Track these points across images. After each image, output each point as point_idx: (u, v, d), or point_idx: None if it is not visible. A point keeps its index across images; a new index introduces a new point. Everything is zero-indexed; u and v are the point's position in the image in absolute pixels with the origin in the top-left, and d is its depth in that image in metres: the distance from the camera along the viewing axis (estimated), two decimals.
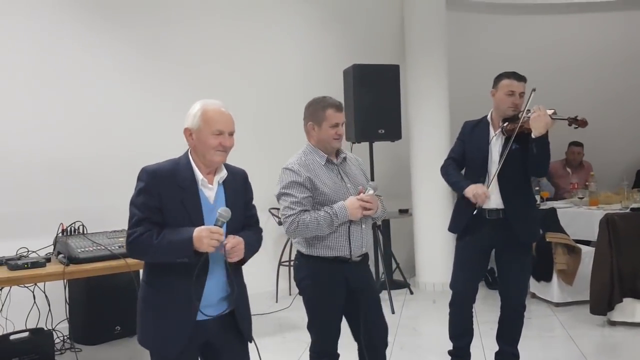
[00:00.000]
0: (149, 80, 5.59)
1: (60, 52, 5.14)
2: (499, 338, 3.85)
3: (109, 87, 5.40)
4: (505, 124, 3.57)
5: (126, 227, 4.47)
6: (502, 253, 3.71)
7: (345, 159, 3.09)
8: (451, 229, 3.83)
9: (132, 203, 2.33)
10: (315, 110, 3.03)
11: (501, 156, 3.51)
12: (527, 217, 3.63)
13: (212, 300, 2.35)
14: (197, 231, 2.21)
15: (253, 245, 2.47)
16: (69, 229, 4.29)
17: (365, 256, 3.09)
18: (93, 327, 4.83)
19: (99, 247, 3.99)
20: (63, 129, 5.10)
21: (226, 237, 2.31)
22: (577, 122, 3.44)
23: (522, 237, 3.60)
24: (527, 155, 3.48)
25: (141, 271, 4.89)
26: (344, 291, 2.98)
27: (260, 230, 2.61)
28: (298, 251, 3.05)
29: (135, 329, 4.93)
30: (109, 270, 3.92)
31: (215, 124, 2.35)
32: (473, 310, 3.83)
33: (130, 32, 5.58)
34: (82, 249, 3.93)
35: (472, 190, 3.50)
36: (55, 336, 4.48)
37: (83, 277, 4.19)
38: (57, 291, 4.57)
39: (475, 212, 3.54)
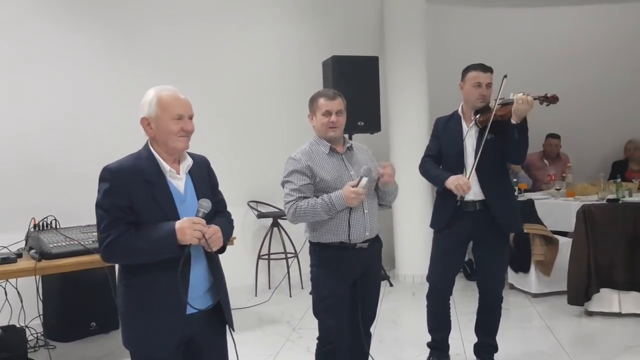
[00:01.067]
0: (122, 74, 5.47)
1: (33, 46, 5.02)
2: (478, 329, 3.87)
3: (82, 81, 5.28)
4: (477, 116, 3.58)
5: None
6: (480, 245, 3.71)
7: (350, 147, 3.12)
8: (433, 225, 3.82)
9: (99, 206, 2.21)
10: (311, 101, 3.12)
11: (477, 147, 3.51)
12: (509, 206, 3.66)
13: (197, 293, 2.29)
14: (179, 223, 2.15)
15: (228, 232, 2.43)
16: (40, 223, 4.22)
17: (373, 242, 3.07)
18: (67, 323, 4.74)
19: (72, 242, 3.92)
20: (35, 123, 4.97)
21: None
22: (548, 99, 3.44)
23: (504, 227, 3.62)
24: (506, 144, 3.48)
25: (117, 267, 4.88)
26: (349, 278, 3.01)
27: (230, 214, 2.56)
28: (308, 239, 3.11)
29: (111, 325, 4.92)
30: (82, 265, 3.87)
31: (174, 108, 2.26)
32: (451, 302, 3.83)
33: (103, 26, 5.45)
34: (55, 244, 3.86)
35: (453, 182, 3.49)
36: (28, 333, 4.40)
37: (56, 273, 4.13)
38: (30, 287, 4.47)
39: (459, 204, 3.53)
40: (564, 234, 5.49)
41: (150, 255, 2.18)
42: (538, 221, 5.49)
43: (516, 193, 5.97)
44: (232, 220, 2.55)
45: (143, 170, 2.23)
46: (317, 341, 3.10)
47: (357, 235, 2.97)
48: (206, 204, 2.24)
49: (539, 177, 6.94)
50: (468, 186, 3.45)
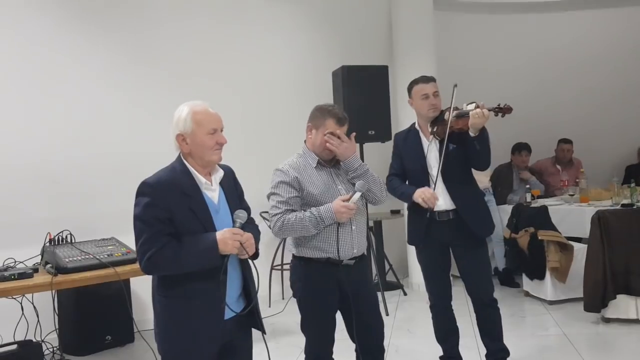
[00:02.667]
0: (136, 86, 5.52)
1: (46, 59, 5.08)
2: (483, 337, 3.82)
3: (96, 94, 5.33)
4: (434, 128, 3.59)
5: (114, 235, 4.43)
6: (460, 252, 3.71)
7: (339, 161, 3.08)
8: (411, 241, 3.84)
9: (139, 219, 2.27)
10: (318, 115, 3.05)
11: (440, 159, 3.52)
12: (479, 211, 3.68)
13: (232, 299, 2.37)
14: (220, 234, 2.25)
15: (257, 237, 2.51)
16: (56, 238, 4.23)
17: (360, 259, 3.05)
18: (83, 337, 4.78)
19: (87, 257, 3.93)
20: (49, 137, 5.03)
21: None
22: (502, 110, 3.41)
23: (478, 232, 3.63)
24: (468, 153, 3.50)
25: (132, 280, 4.90)
26: (336, 294, 2.96)
27: (254, 220, 2.64)
28: (292, 253, 3.08)
29: (126, 338, 4.94)
30: (98, 279, 3.87)
31: (209, 123, 2.36)
32: (464, 310, 3.80)
33: (118, 38, 5.51)
34: (70, 259, 3.87)
35: (419, 195, 3.48)
36: (44, 348, 4.43)
37: (72, 287, 4.15)
38: (46, 302, 4.50)
39: (428, 215, 3.54)
40: (578, 239, 5.45)
41: (193, 266, 2.25)
42: (552, 227, 5.45)
43: (529, 199, 5.98)
44: (257, 227, 2.62)
45: (180, 183, 2.32)
46: (299, 349, 3.09)
47: (344, 253, 2.93)
48: (243, 215, 2.34)
49: (552, 182, 6.90)
50: (435, 197, 3.45)
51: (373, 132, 5.95)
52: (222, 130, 2.41)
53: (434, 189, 3.49)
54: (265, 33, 6.48)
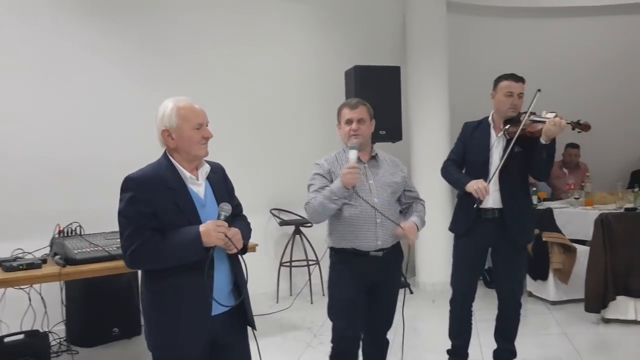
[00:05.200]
0: (148, 80, 5.56)
1: (58, 52, 5.13)
2: (497, 335, 3.89)
3: (107, 87, 5.38)
4: (507, 127, 3.59)
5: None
6: (499, 252, 3.74)
7: (375, 157, 3.16)
8: (453, 229, 3.86)
9: (122, 214, 2.27)
10: (338, 112, 3.18)
11: (502, 157, 3.53)
12: (524, 219, 3.67)
13: (221, 294, 2.34)
14: (204, 226, 2.23)
15: (247, 233, 2.50)
16: (65, 229, 4.27)
17: (390, 251, 3.07)
18: (90, 328, 4.81)
19: (96, 248, 3.96)
20: (60, 129, 5.07)
21: None
22: (581, 127, 3.48)
23: (517, 238, 3.64)
24: (531, 159, 3.51)
25: (139, 273, 4.95)
26: (363, 285, 3.03)
27: (246, 218, 2.63)
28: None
29: (133, 331, 4.98)
30: (106, 271, 3.89)
31: (195, 118, 2.36)
32: (472, 308, 3.85)
33: (130, 31, 5.55)
34: (79, 250, 3.90)
35: (473, 185, 3.51)
36: (51, 338, 4.46)
37: (80, 279, 4.19)
38: (54, 293, 4.55)
39: (475, 206, 3.53)
40: (582, 242, 5.48)
41: (177, 259, 2.23)
42: (557, 230, 5.49)
43: (535, 202, 5.99)
44: (249, 224, 2.61)
45: (164, 178, 2.30)
46: (331, 344, 3.15)
47: (367, 244, 3.00)
48: (227, 207, 2.31)
49: (558, 186, 6.93)
50: (487, 190, 3.47)
51: (384, 133, 5.99)
52: (207, 125, 2.40)
53: (488, 183, 3.52)
54: (279, 31, 6.53)
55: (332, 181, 3.02)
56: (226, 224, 2.27)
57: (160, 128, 2.37)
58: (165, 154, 2.40)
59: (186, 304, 2.26)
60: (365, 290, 3.06)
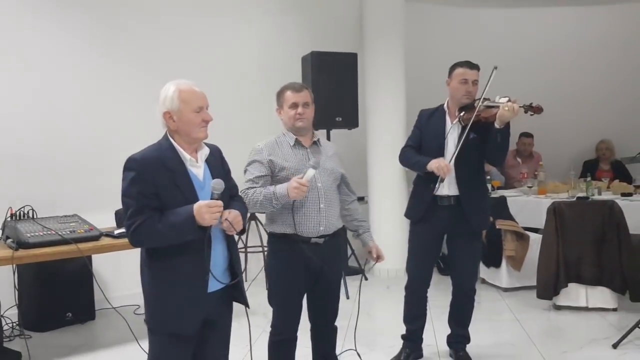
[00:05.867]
0: (100, 64, 5.45)
1: (10, 31, 4.98)
2: (451, 321, 3.96)
3: (58, 70, 5.24)
4: (462, 113, 3.63)
5: (77, 213, 4.41)
6: (454, 239, 3.80)
7: (317, 143, 3.15)
8: (408, 214, 3.89)
9: (125, 194, 2.33)
10: (278, 95, 3.15)
11: (457, 144, 3.57)
12: (480, 205, 3.73)
13: (217, 272, 2.40)
14: (196, 207, 2.26)
15: (244, 214, 2.58)
16: (17, 213, 4.19)
17: (331, 238, 3.08)
18: (43, 313, 4.75)
19: (49, 232, 3.92)
20: (13, 114, 4.94)
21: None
22: (533, 109, 3.51)
23: (473, 225, 3.70)
24: (486, 144, 3.56)
25: (94, 257, 4.89)
26: (302, 271, 3.01)
27: (242, 198, 2.76)
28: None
29: (87, 316, 4.93)
30: (59, 255, 3.87)
31: (195, 101, 2.41)
32: (427, 294, 3.91)
33: (82, 14, 5.42)
34: (32, 234, 3.85)
35: (434, 163, 3.53)
36: (3, 322, 4.39)
37: (33, 263, 4.13)
38: (6, 276, 4.46)
39: (435, 190, 3.58)
40: (535, 230, 5.62)
41: (173, 238, 2.29)
42: (510, 217, 5.61)
43: (489, 190, 6.11)
44: (244, 203, 2.72)
45: (165, 159, 2.37)
46: (270, 329, 3.17)
47: (310, 230, 2.99)
48: (218, 185, 2.35)
49: (512, 174, 7.08)
50: (448, 168, 3.50)
51: (340, 119, 6.02)
52: (207, 108, 2.47)
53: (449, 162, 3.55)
54: (237, 16, 6.45)
55: (271, 170, 3.00)
56: (220, 203, 2.31)
57: (161, 110, 2.42)
58: (165, 136, 2.46)
59: (183, 282, 2.35)
60: (305, 277, 3.04)
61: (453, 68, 3.71)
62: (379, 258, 3.25)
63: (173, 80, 2.46)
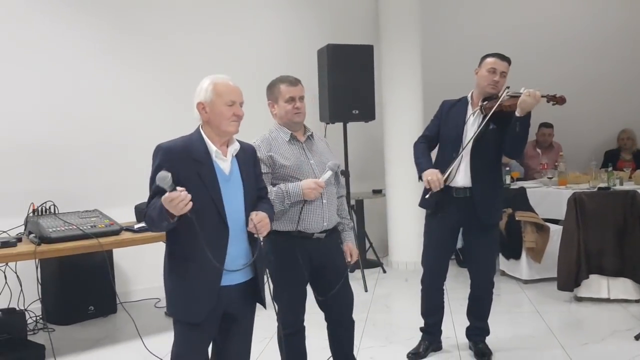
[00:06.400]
0: (120, 59, 5.49)
1: (30, 31, 5.03)
2: (469, 314, 3.94)
3: (82, 68, 5.29)
4: (484, 102, 3.61)
5: (98, 208, 4.47)
6: (470, 231, 3.77)
7: (311, 137, 3.13)
8: (422, 204, 3.85)
9: (150, 181, 2.38)
10: (271, 88, 3.11)
11: (476, 132, 3.55)
12: (491, 199, 3.68)
13: (235, 267, 2.42)
14: (162, 198, 2.22)
15: (272, 217, 2.59)
16: (39, 208, 4.24)
17: (331, 232, 3.09)
18: (66, 307, 4.83)
19: (70, 227, 3.97)
20: (34, 109, 5.00)
21: (248, 213, 2.46)
22: (556, 100, 3.47)
23: (483, 218, 3.65)
24: (505, 135, 3.52)
25: (115, 251, 4.95)
26: (306, 266, 3.01)
27: (269, 200, 2.75)
28: None
29: (108, 309, 5.01)
30: (81, 249, 3.93)
31: (228, 95, 2.46)
32: (444, 287, 3.90)
33: (101, 9, 5.45)
34: (54, 229, 3.90)
35: (427, 175, 3.53)
36: (27, 316, 4.46)
37: (55, 257, 4.19)
38: (29, 271, 4.52)
39: (427, 196, 3.57)
40: (555, 221, 5.56)
41: (160, 224, 2.31)
42: (530, 209, 5.57)
43: (508, 182, 6.07)
44: (272, 206, 2.72)
45: (192, 149, 2.41)
46: (277, 324, 3.15)
47: (314, 225, 2.98)
48: (164, 178, 2.19)
49: (532, 165, 7.02)
50: (440, 183, 3.48)
51: (357, 112, 6.00)
52: (241, 105, 2.50)
53: (458, 161, 3.54)
54: (251, 10, 6.44)
55: (271, 167, 2.97)
56: (175, 195, 2.18)
57: (196, 101, 2.46)
58: (198, 128, 2.49)
59: (197, 272, 2.36)
60: (309, 273, 3.03)
61: (484, 58, 3.68)
62: (351, 259, 3.20)
63: (212, 74, 2.50)
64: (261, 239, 2.50)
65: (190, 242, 2.34)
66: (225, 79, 2.50)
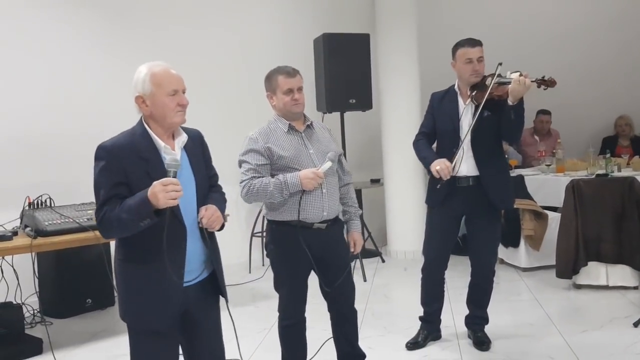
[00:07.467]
0: (114, 49, 5.46)
1: (22, 22, 4.99)
2: (469, 302, 3.94)
3: (78, 61, 5.27)
4: (474, 92, 3.57)
5: (93, 200, 4.44)
6: (473, 220, 3.75)
7: (310, 126, 3.10)
8: (428, 202, 3.83)
9: (95, 184, 2.23)
10: (269, 80, 3.06)
11: (471, 124, 3.52)
12: (502, 183, 3.67)
13: (194, 265, 2.32)
14: (151, 188, 2.10)
15: (222, 207, 2.45)
16: (35, 202, 4.23)
17: (332, 222, 3.07)
18: (63, 300, 4.82)
19: (66, 220, 3.97)
20: (30, 102, 4.97)
21: (198, 206, 2.32)
22: (545, 83, 3.43)
23: (496, 203, 3.63)
24: (501, 122, 3.50)
25: (112, 244, 4.91)
26: (307, 256, 2.98)
27: (221, 187, 2.58)
28: (266, 217, 3.12)
29: (106, 302, 5.00)
30: (77, 242, 3.93)
31: (169, 84, 2.26)
32: (444, 276, 3.89)
33: (96, 8, 5.42)
34: (50, 222, 3.90)
35: (435, 165, 3.50)
36: (24, 310, 4.45)
37: (52, 250, 4.18)
38: (26, 265, 4.52)
39: (439, 186, 3.52)
40: (553, 209, 5.56)
41: (129, 224, 2.14)
42: (528, 196, 5.56)
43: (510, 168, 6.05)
44: (224, 194, 2.57)
45: (138, 147, 2.24)
46: (277, 313, 3.17)
47: (313, 215, 2.96)
48: (174, 162, 2.17)
49: (530, 153, 6.99)
50: (449, 171, 3.45)
51: (354, 101, 5.97)
52: (184, 92, 2.31)
53: (461, 153, 3.50)
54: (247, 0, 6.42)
55: (269, 158, 2.94)
56: (176, 181, 2.12)
57: (134, 94, 2.28)
58: (140, 122, 2.32)
59: (154, 274, 2.22)
60: (307, 263, 3.01)
61: (455, 49, 3.63)
62: (354, 249, 3.20)
63: (147, 62, 2.31)
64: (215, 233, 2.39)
65: (149, 245, 2.19)
66: (164, 67, 2.30)
